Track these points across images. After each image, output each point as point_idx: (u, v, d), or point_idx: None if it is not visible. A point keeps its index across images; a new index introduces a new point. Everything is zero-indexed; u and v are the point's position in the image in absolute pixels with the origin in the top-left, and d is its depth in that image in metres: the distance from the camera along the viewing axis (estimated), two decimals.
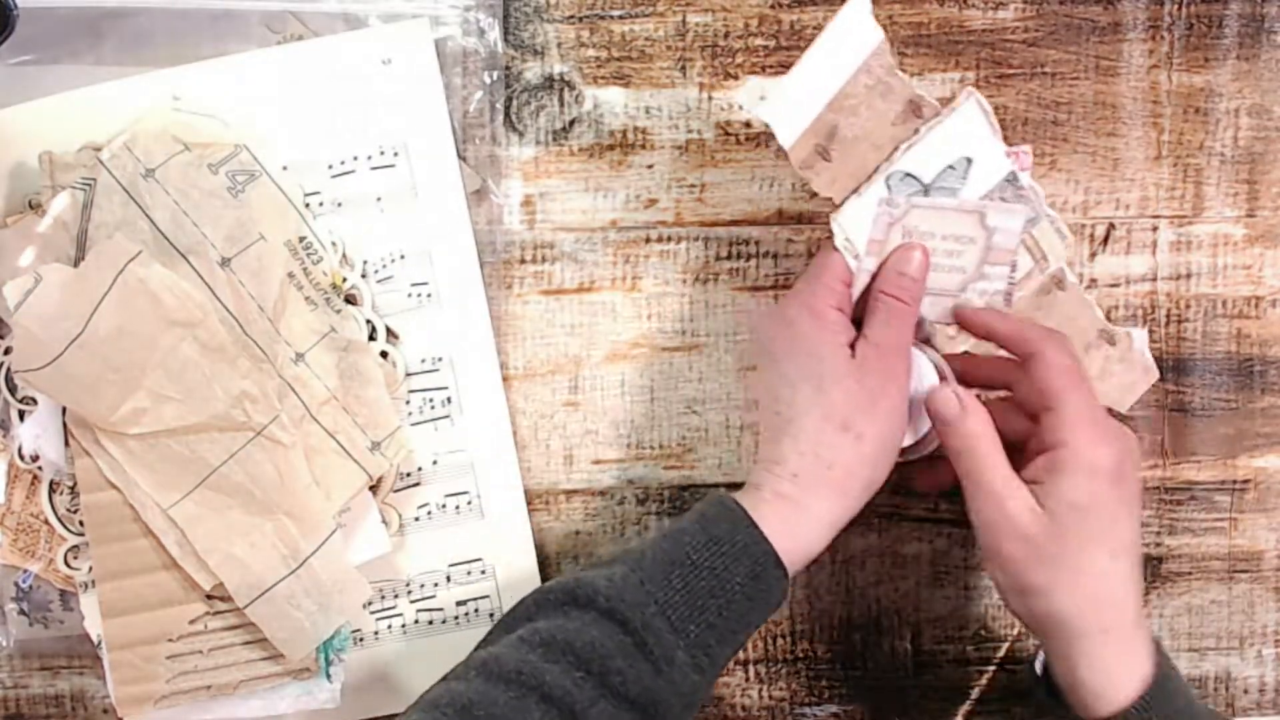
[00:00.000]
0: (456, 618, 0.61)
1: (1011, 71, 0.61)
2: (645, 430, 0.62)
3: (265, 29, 0.59)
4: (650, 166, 0.61)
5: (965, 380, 0.55)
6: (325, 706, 0.59)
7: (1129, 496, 0.51)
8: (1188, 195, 0.62)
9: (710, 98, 0.61)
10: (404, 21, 0.59)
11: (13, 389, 0.58)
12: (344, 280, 0.59)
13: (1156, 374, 0.60)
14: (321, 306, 0.58)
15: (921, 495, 0.62)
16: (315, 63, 0.59)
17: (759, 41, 0.61)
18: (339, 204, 0.60)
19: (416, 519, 0.61)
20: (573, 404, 0.62)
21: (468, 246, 0.60)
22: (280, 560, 0.56)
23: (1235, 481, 0.63)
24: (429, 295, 0.60)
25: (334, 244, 0.59)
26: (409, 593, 0.61)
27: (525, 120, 0.61)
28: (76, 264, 0.55)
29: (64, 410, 0.57)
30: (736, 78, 0.61)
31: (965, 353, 0.58)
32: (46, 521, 0.58)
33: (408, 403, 0.60)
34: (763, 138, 0.61)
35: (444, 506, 0.61)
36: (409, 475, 0.60)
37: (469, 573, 0.61)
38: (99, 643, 0.58)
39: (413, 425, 0.60)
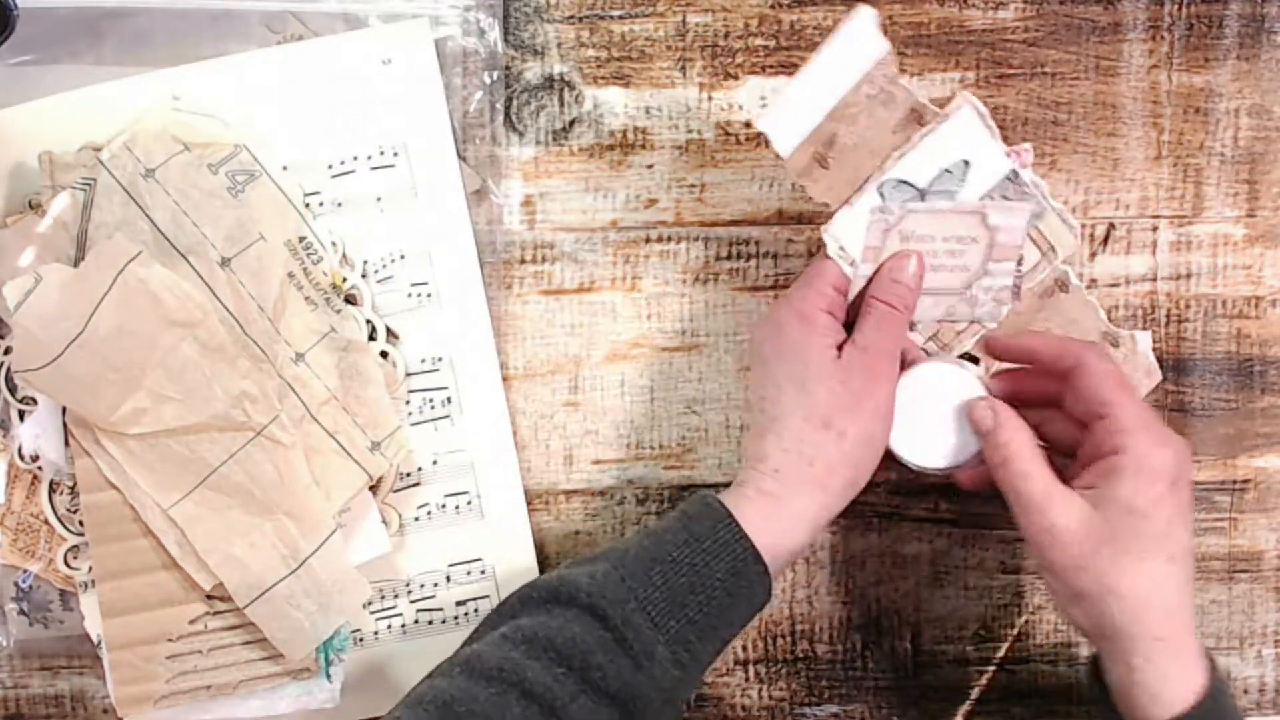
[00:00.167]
0: (456, 618, 0.61)
1: (1011, 71, 0.61)
2: (645, 430, 0.62)
3: (265, 29, 0.59)
4: (650, 166, 0.61)
5: (1012, 399, 0.54)
6: (325, 706, 0.59)
7: (1185, 501, 0.50)
8: (1188, 195, 0.62)
9: (710, 98, 0.61)
10: (404, 21, 0.59)
11: (13, 389, 0.58)
12: (344, 280, 0.59)
13: (1159, 376, 0.60)
14: (321, 306, 0.58)
15: (921, 495, 0.62)
16: (315, 63, 0.59)
17: (759, 42, 0.61)
18: (339, 204, 0.60)
19: (416, 519, 0.61)
20: (573, 404, 0.62)
21: (468, 246, 0.60)
22: (280, 560, 0.56)
23: (1235, 481, 0.63)
24: (429, 295, 0.60)
25: (334, 244, 0.59)
26: (409, 593, 0.61)
27: (525, 120, 0.61)
28: (76, 264, 0.55)
29: (64, 410, 0.57)
30: (736, 78, 0.61)
31: (1006, 370, 0.57)
32: (46, 521, 0.58)
33: (408, 403, 0.60)
34: (763, 138, 0.61)
35: (444, 506, 0.61)
36: (409, 475, 0.60)
37: (469, 573, 0.61)
38: (99, 643, 0.58)
39: (413, 425, 0.60)
